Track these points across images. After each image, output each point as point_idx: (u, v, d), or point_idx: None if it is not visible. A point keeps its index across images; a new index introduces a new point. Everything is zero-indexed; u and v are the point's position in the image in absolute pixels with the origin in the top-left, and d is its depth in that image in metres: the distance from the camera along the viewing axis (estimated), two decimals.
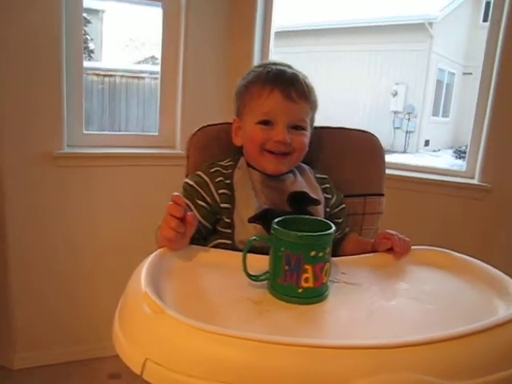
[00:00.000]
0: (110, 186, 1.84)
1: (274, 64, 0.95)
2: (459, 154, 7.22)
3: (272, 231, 0.68)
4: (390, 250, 0.86)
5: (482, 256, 0.83)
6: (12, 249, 1.73)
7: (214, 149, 1.01)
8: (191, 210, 0.85)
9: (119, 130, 3.52)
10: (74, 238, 1.82)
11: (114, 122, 3.66)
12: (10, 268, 1.74)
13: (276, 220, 0.70)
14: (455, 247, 0.87)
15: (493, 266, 0.79)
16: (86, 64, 4.01)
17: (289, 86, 0.90)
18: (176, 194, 0.73)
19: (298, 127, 0.92)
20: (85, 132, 1.87)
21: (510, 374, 0.56)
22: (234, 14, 1.95)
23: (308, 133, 0.94)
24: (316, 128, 1.02)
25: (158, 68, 1.96)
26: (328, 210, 0.98)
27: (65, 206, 1.78)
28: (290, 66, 0.96)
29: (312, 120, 0.97)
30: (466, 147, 1.84)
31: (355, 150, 1.08)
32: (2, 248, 1.73)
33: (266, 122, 0.90)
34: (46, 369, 1.84)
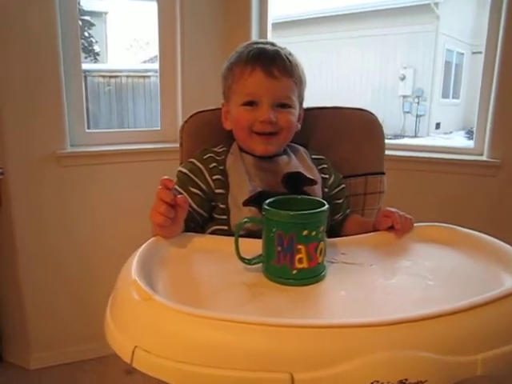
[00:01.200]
0: (114, 184, 1.84)
1: (257, 43, 0.93)
2: (471, 134, 7.06)
3: (263, 212, 0.66)
4: (391, 228, 0.83)
5: (492, 232, 0.80)
6: (20, 250, 1.74)
7: (207, 135, 0.99)
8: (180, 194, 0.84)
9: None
10: (80, 237, 1.83)
11: (123, 122, 3.67)
12: (19, 268, 1.75)
13: (267, 201, 0.68)
14: (465, 225, 0.84)
15: (504, 241, 0.76)
16: (92, 66, 4.03)
17: (270, 63, 0.88)
18: (165, 177, 0.71)
19: (283, 105, 0.90)
20: (87, 131, 1.87)
21: None
22: (230, 5, 1.93)
23: (295, 110, 0.92)
24: (311, 109, 0.99)
25: None
26: (326, 190, 0.95)
27: (70, 206, 1.79)
28: (272, 44, 0.93)
29: (300, 97, 0.95)
30: None
31: (352, 129, 1.05)
32: (11, 249, 1.74)
33: (250, 103, 0.89)
34: (62, 367, 1.85)
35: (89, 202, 1.82)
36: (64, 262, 1.82)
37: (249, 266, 0.68)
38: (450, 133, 8.44)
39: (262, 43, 0.93)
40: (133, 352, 0.53)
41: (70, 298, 1.85)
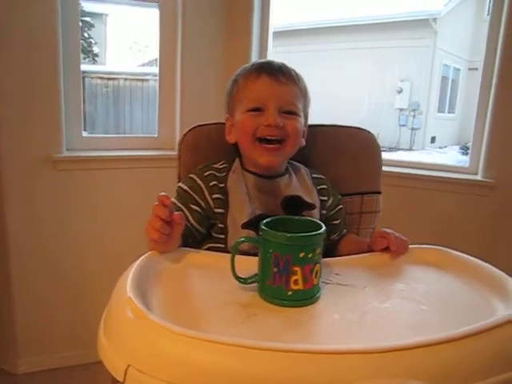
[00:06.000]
0: (109, 189, 1.84)
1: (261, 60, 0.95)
2: (465, 150, 7.12)
3: (260, 232, 0.67)
4: (386, 250, 0.83)
5: (485, 254, 0.81)
6: (13, 254, 1.73)
7: (205, 149, 0.99)
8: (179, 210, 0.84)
9: (124, 133, 3.52)
10: (75, 241, 1.82)
11: (119, 125, 3.66)
12: (11, 273, 1.74)
13: (265, 221, 0.68)
14: (458, 245, 0.85)
15: (496, 264, 0.76)
16: (90, 67, 4.02)
17: (275, 71, 0.89)
18: (162, 193, 0.71)
19: (290, 112, 0.89)
20: (84, 135, 1.87)
21: (507, 378, 0.54)
22: (231, 13, 1.94)
23: (302, 119, 0.91)
24: (309, 126, 1.00)
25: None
26: (324, 212, 0.95)
27: (65, 210, 1.78)
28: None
29: (305, 111, 0.94)
30: None
31: (350, 148, 1.06)
32: (4, 253, 1.73)
33: (256, 110, 0.88)
34: (49, 373, 1.83)
35: (84, 207, 1.81)
36: (57, 266, 1.81)
37: (244, 286, 0.68)
38: (445, 147, 8.51)
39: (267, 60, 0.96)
40: (126, 371, 0.53)
41: (60, 304, 1.84)
